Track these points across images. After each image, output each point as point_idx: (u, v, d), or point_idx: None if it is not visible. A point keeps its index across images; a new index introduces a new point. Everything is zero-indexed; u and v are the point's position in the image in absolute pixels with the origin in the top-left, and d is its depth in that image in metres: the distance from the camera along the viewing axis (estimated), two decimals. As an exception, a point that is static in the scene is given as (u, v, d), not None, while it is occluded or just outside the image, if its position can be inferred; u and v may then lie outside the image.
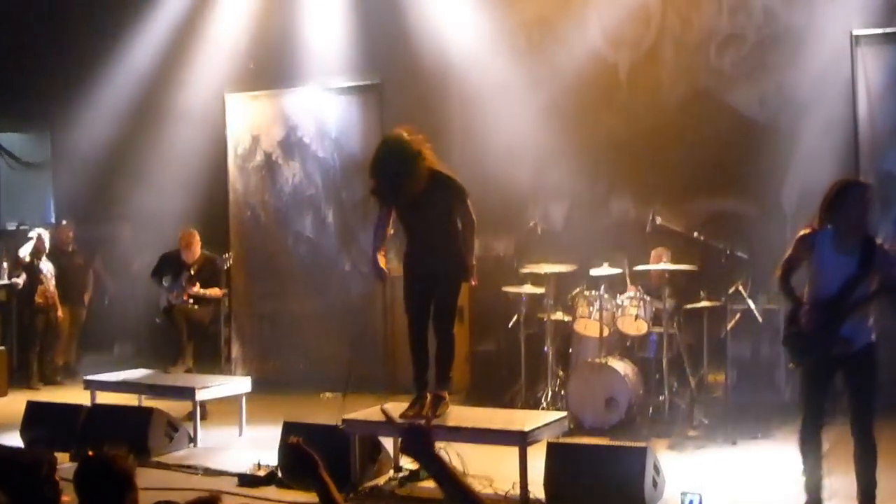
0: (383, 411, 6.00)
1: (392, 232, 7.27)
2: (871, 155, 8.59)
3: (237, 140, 11.52)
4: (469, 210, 6.91)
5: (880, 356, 5.85)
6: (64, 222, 12.96)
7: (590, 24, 10.63)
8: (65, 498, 4.24)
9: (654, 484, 6.30)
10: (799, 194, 9.81)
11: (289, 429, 7.27)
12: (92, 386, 9.47)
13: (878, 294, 5.63)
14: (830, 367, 5.78)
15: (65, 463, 7.48)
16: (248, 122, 11.49)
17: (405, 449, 3.62)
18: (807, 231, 5.81)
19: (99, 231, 13.49)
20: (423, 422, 4.71)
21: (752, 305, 8.54)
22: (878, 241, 5.79)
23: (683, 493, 5.86)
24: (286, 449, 4.09)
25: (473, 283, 7.12)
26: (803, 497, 5.93)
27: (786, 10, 9.87)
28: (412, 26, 11.14)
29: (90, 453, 4.53)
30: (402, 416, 6.75)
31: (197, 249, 9.90)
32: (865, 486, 5.67)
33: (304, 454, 3.92)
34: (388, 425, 6.41)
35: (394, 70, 11.21)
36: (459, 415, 7.09)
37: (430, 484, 5.83)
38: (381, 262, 7.11)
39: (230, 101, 11.55)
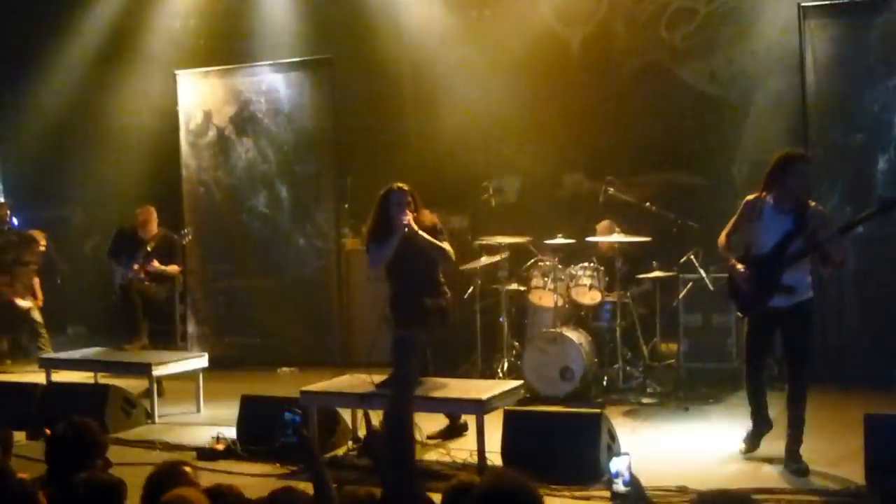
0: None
1: None
2: (819, 126, 8.74)
3: (189, 117, 11.43)
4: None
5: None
6: (1, 200, 12.77)
7: (541, -2, 10.71)
8: (21, 475, 4.25)
9: (609, 449, 6.39)
10: (749, 166, 9.95)
11: (247, 402, 7.30)
12: (47, 364, 9.40)
13: (810, 248, 6.20)
14: (770, 322, 6.44)
15: (21, 441, 7.47)
16: (199, 98, 11.40)
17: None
18: (752, 196, 6.49)
19: (49, 212, 13.35)
20: None
21: (704, 275, 8.65)
22: (813, 203, 6.40)
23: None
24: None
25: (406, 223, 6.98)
26: (749, 425, 6.62)
27: (734, -18, 9.99)
28: (364, 1, 11.15)
29: (48, 431, 4.55)
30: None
31: (154, 227, 9.81)
32: (793, 423, 6.30)
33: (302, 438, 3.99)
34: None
35: (346, 45, 11.21)
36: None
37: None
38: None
39: (181, 78, 11.46)
